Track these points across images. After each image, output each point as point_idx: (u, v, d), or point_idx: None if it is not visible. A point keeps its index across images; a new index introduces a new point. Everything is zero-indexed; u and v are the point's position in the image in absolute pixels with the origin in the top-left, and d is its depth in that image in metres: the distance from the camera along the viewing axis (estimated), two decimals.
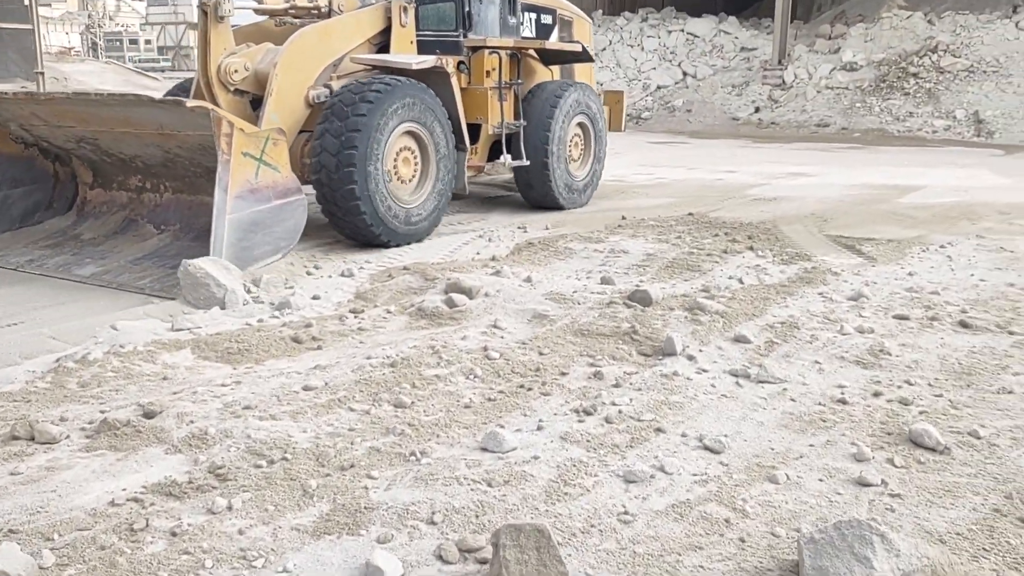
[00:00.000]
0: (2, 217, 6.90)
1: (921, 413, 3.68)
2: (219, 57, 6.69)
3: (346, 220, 6.73)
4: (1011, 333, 4.72)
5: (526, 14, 8.88)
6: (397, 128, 6.82)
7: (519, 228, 7.90)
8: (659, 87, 23.19)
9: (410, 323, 4.93)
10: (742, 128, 20.30)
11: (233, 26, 6.95)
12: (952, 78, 19.22)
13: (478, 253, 6.79)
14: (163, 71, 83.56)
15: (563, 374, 4.12)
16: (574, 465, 3.15)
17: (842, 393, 3.91)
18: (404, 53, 7.50)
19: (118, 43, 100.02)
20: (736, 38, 23.93)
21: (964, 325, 4.83)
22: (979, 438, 3.41)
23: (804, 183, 11.53)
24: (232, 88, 6.78)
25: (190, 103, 5.69)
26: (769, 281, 5.86)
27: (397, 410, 3.63)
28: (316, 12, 7.65)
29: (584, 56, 9.46)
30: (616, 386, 3.95)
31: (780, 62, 21.69)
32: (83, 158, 7.07)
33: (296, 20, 7.71)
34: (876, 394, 3.90)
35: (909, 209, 9.25)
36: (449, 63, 7.62)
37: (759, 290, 5.56)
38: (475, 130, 8.09)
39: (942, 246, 7.15)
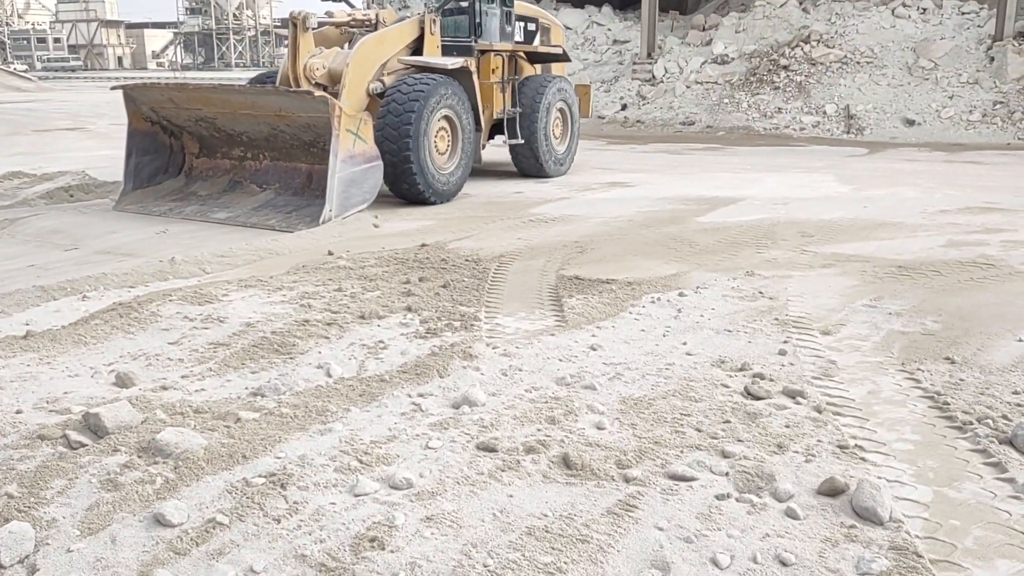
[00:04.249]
0: (136, 178, 8.61)
1: None
2: (304, 58, 8.54)
3: (401, 180, 8.59)
4: (627, 480, 2.98)
5: (517, 23, 10.96)
6: (437, 112, 8.75)
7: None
8: None
9: None
10: (606, 127, 18.66)
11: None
12: (824, 70, 17.84)
13: (27, 324, 4.85)
14: (73, 70, 79.22)
15: None
16: None
17: None
18: (433, 55, 9.46)
19: (25, 41, 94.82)
20: (609, 30, 22.32)
21: (567, 463, 3.09)
22: None
23: (612, 196, 9.85)
24: (313, 82, 8.55)
25: (317, 93, 7.64)
26: (372, 371, 4.06)
27: None
28: (368, 24, 9.60)
29: (563, 57, 11.79)
30: None
31: (650, 55, 20.12)
32: (194, 133, 8.74)
33: (353, 30, 9.67)
34: None
35: (698, 232, 7.60)
36: (471, 63, 9.66)
37: (333, 393, 3.75)
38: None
39: (682, 294, 5.46)
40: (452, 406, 3.64)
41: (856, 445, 3.23)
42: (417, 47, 9.44)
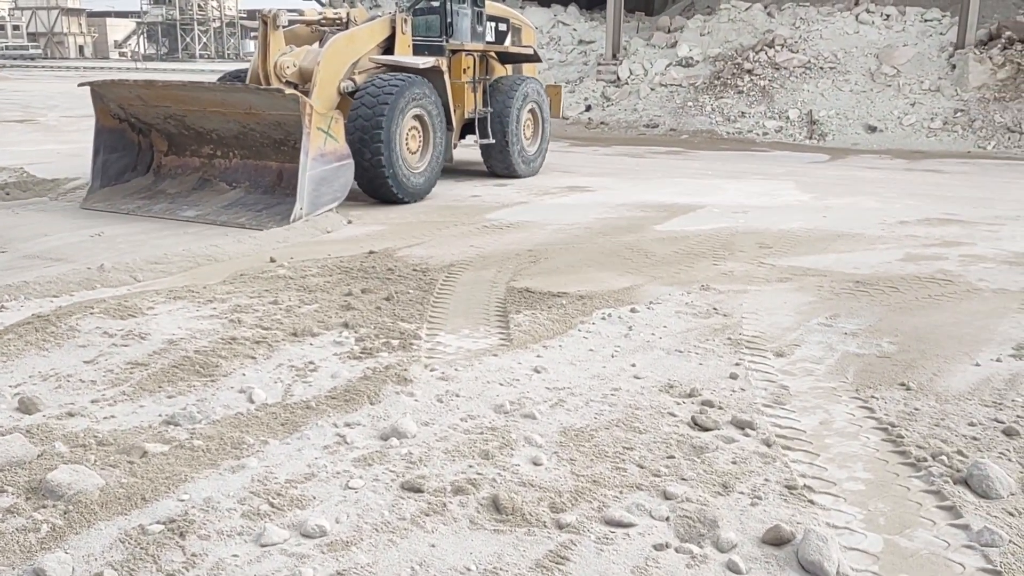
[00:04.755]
0: (104, 175, 8.50)
1: None
2: (275, 56, 8.45)
3: (372, 179, 8.61)
4: (561, 527, 2.77)
5: (488, 23, 10.94)
6: (409, 112, 8.79)
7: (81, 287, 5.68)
8: None
9: None
10: (570, 128, 18.44)
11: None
12: (788, 75, 17.80)
13: None
14: (32, 59, 77.31)
15: None
16: None
17: None
18: (404, 55, 9.47)
19: None
20: (574, 30, 22.13)
21: (497, 507, 2.87)
22: None
23: (570, 202, 9.65)
24: (284, 80, 8.46)
25: (287, 91, 7.60)
26: (298, 396, 3.80)
27: None
28: (339, 23, 9.56)
29: (534, 57, 11.76)
30: None
31: (615, 56, 19.96)
32: (162, 131, 8.66)
33: (324, 28, 9.63)
34: None
35: (656, 242, 7.42)
36: (442, 63, 9.68)
37: (253, 422, 3.50)
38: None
39: (634, 309, 5.26)
40: (380, 437, 3.40)
41: (805, 485, 3.05)
42: (388, 46, 9.43)
